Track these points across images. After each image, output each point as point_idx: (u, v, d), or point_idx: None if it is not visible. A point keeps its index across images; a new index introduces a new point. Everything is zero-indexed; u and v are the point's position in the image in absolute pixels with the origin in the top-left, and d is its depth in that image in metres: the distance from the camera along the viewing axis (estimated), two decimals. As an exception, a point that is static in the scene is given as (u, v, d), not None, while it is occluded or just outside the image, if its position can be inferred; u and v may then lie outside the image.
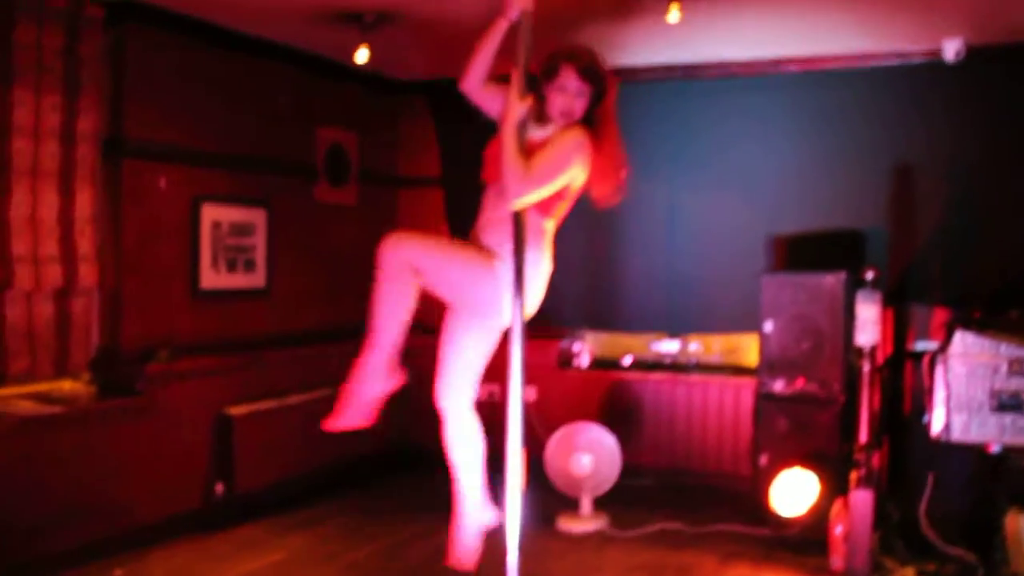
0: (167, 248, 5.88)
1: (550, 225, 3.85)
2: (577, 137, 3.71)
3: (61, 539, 5.11)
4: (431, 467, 7.31)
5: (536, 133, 3.71)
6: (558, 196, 3.75)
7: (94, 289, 5.46)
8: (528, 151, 3.55)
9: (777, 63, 6.71)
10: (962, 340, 5.01)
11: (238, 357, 6.27)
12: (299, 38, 6.38)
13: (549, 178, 3.59)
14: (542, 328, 7.13)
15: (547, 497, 6.01)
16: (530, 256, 3.63)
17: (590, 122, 3.80)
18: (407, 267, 3.75)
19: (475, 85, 3.90)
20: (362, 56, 6.08)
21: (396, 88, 7.72)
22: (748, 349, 6.93)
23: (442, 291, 3.84)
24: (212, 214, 6.12)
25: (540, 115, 3.78)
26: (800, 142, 6.68)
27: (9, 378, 5.10)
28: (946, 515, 5.43)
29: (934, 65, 6.18)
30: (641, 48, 6.43)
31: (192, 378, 5.91)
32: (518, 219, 3.50)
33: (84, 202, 5.35)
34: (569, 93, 3.74)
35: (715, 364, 7.22)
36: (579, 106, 3.77)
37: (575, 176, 3.73)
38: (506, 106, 3.58)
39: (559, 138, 3.70)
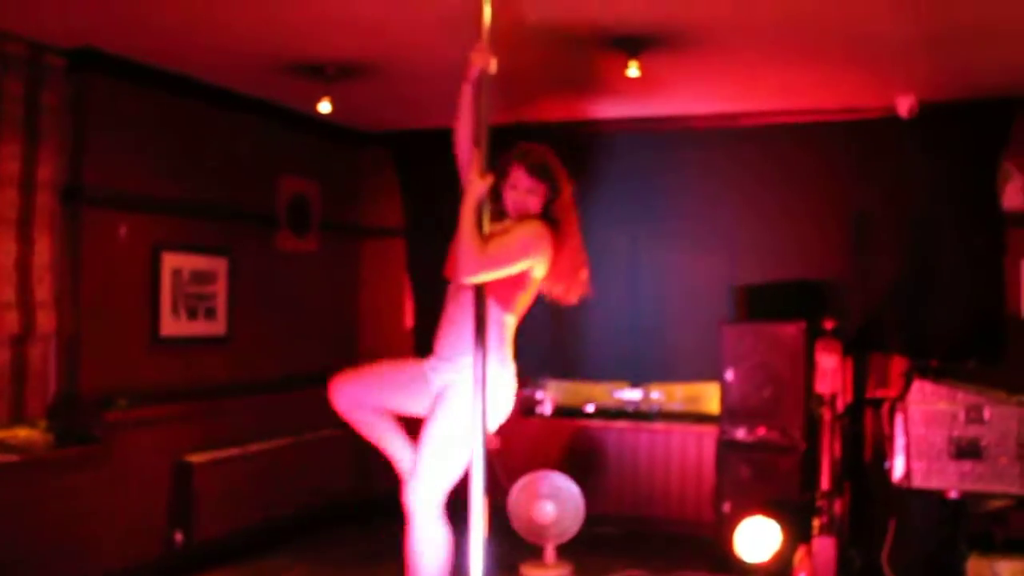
0: (127, 295, 5.83)
1: (511, 321, 3.85)
2: (536, 228, 3.76)
3: (16, 589, 5.01)
4: (391, 517, 7.27)
5: (494, 227, 3.71)
6: (518, 286, 3.76)
7: (52, 336, 5.39)
8: (486, 240, 3.56)
9: (735, 117, 6.81)
10: (920, 388, 5.07)
11: (198, 404, 6.21)
12: (261, 89, 6.39)
13: (504, 261, 3.60)
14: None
15: (510, 545, 5.96)
16: (492, 362, 3.58)
17: (550, 219, 3.85)
18: (360, 406, 3.94)
19: (464, 148, 3.90)
20: (325, 107, 6.10)
21: (359, 139, 7.75)
22: (710, 397, 6.95)
23: (403, 409, 3.97)
24: (173, 262, 6.09)
25: (499, 212, 3.83)
26: (760, 194, 6.78)
27: (-36, 426, 5.03)
28: (908, 561, 5.44)
29: (889, 121, 6.30)
30: (603, 102, 6.51)
31: (151, 425, 5.84)
32: (480, 318, 3.44)
33: (43, 249, 5.30)
34: (520, 190, 3.82)
35: (677, 412, 7.23)
36: (532, 203, 3.84)
37: (535, 266, 3.75)
38: (466, 183, 3.60)
39: (518, 225, 3.76)
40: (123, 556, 5.62)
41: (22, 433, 5.38)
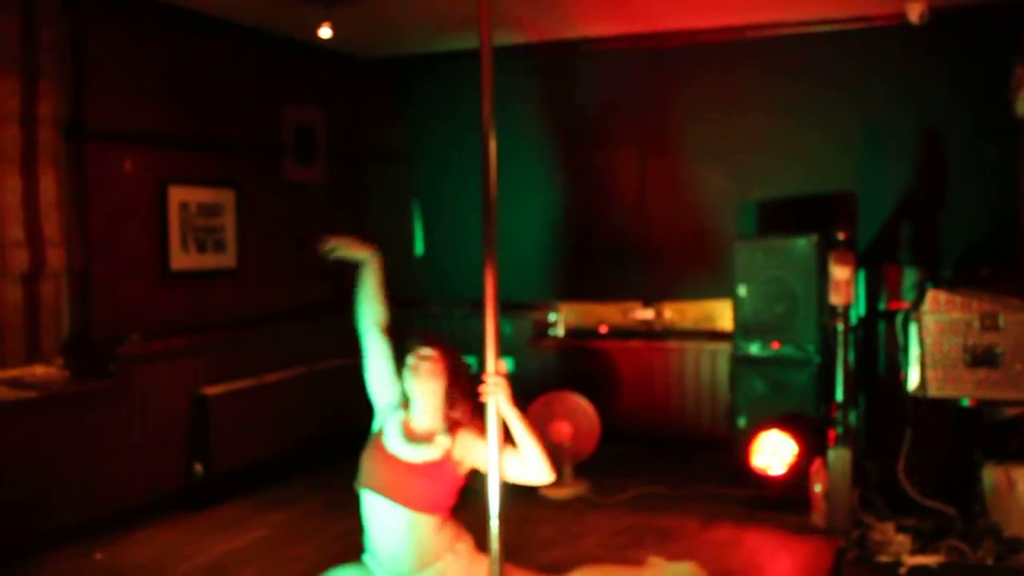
0: (135, 230, 5.81)
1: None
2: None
3: (40, 524, 5.06)
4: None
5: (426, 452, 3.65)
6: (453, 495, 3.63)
7: (62, 273, 5.38)
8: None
9: (741, 29, 6.70)
10: (935, 298, 5.04)
11: (211, 337, 6.23)
12: (261, 17, 6.30)
13: None
14: (516, 301, 7.14)
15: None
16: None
17: None
18: None
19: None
20: (325, 33, 6.02)
21: (361, 66, 7.65)
22: (722, 315, 6.94)
23: None
24: (179, 195, 6.05)
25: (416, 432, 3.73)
26: (769, 108, 6.71)
27: (-20, 364, 5.04)
28: (924, 470, 5.47)
29: (899, 28, 6.19)
30: (607, 17, 6.41)
31: (166, 359, 5.86)
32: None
33: (48, 186, 5.27)
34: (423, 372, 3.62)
35: (690, 330, 7.22)
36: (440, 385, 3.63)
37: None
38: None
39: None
40: (143, 489, 5.68)
41: (39, 370, 5.41)
